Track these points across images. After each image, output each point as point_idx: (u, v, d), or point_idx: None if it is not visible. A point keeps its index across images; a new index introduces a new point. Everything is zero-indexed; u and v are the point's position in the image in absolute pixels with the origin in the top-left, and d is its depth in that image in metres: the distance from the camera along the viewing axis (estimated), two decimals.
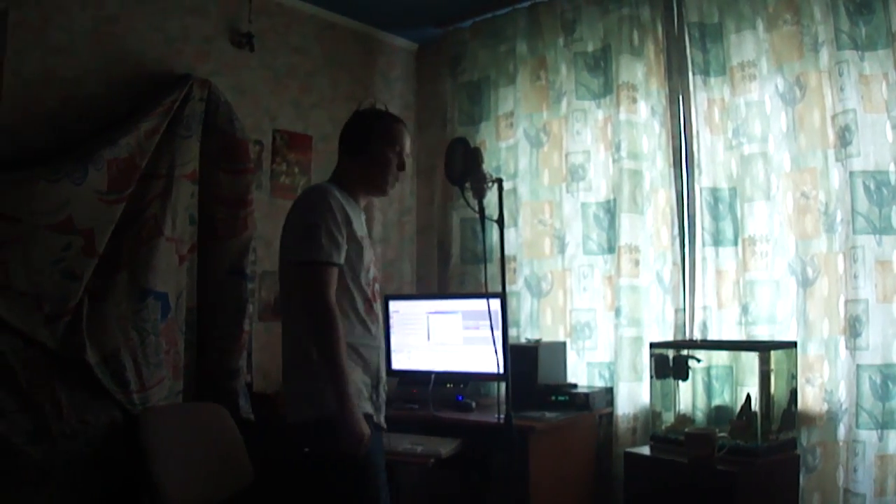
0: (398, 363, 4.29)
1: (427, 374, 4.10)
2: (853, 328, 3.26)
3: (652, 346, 3.69)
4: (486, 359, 3.97)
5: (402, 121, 2.95)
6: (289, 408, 2.73)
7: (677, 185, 4.01)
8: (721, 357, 3.62)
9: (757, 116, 3.65)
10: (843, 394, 3.32)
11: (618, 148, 4.03)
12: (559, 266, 4.32)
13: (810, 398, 3.44)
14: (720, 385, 3.64)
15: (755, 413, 3.26)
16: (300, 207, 2.74)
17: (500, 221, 2.96)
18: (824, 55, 3.42)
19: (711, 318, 3.78)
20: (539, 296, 4.40)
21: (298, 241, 2.64)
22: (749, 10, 3.69)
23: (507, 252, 3.14)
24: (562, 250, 4.30)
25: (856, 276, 3.27)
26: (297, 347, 2.70)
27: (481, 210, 2.92)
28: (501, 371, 2.93)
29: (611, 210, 4.10)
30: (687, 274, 3.97)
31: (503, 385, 2.92)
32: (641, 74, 4.06)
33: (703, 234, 3.80)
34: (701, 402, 3.66)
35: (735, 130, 3.71)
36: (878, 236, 3.25)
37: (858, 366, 3.23)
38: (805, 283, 3.47)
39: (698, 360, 3.56)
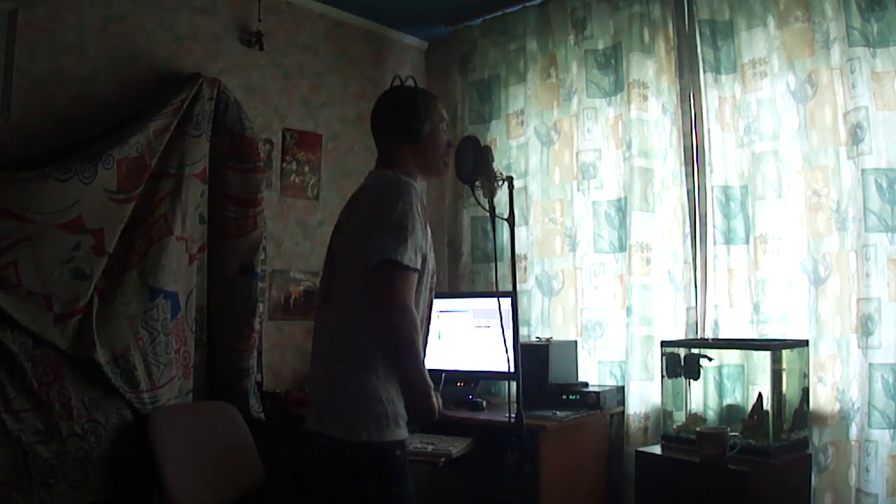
0: None
1: (437, 372, 4.07)
2: (865, 327, 3.25)
3: (663, 344, 3.68)
4: (496, 358, 3.95)
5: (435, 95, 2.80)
6: (333, 418, 2.41)
7: (688, 183, 4.00)
8: (732, 356, 3.60)
9: (768, 114, 3.64)
10: (855, 393, 3.31)
11: (629, 146, 4.02)
12: (570, 265, 4.31)
13: (822, 397, 3.42)
14: (732, 384, 3.62)
15: (767, 412, 3.25)
16: (384, 201, 2.41)
17: (511, 220, 2.95)
18: (836, 52, 3.40)
19: (723, 316, 3.76)
20: (550, 294, 4.39)
21: (384, 238, 2.34)
22: (760, 7, 3.67)
23: (517, 251, 3.12)
24: (573, 249, 4.29)
25: (868, 275, 3.25)
26: (358, 352, 2.41)
27: (492, 209, 2.91)
28: (512, 370, 2.91)
29: (622, 208, 4.09)
30: (698, 272, 3.96)
31: (514, 384, 2.90)
32: (652, 72, 4.04)
33: (714, 233, 3.79)
34: (712, 401, 3.64)
35: (746, 128, 3.69)
36: (890, 234, 3.23)
37: (871, 364, 3.21)
38: (817, 282, 3.45)
39: (710, 359, 3.54)
